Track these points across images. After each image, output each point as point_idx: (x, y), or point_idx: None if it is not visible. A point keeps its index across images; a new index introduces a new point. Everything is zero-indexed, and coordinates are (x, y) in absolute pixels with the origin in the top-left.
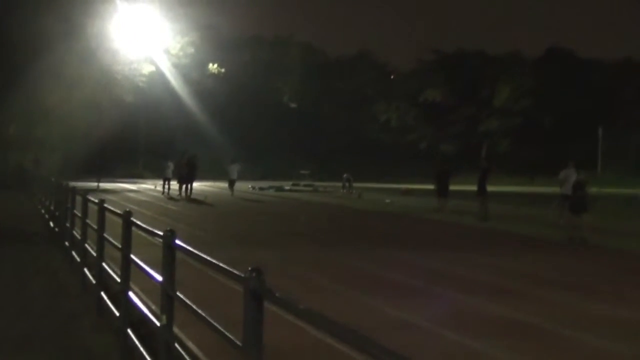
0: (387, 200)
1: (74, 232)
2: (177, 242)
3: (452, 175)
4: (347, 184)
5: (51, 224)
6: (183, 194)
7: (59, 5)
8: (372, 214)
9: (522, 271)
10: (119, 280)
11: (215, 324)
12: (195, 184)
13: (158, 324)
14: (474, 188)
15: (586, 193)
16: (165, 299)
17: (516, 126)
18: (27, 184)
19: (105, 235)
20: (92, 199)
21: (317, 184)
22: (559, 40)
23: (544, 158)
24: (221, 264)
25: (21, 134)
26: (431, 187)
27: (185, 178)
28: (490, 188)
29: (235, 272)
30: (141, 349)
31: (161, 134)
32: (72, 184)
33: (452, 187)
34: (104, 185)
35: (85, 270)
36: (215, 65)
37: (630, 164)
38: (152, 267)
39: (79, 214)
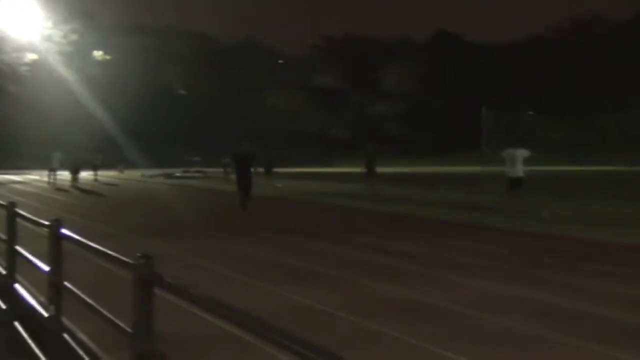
0: (278, 185)
1: None
2: (64, 231)
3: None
4: (227, 170)
5: None
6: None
7: None
8: (265, 200)
9: (422, 253)
10: (4, 272)
11: (104, 312)
12: (84, 174)
13: (46, 314)
14: (363, 170)
15: None
16: (53, 289)
17: (405, 109)
18: None
19: None
20: None
21: (208, 170)
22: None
23: (434, 140)
24: (109, 252)
25: None
26: (320, 170)
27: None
28: (381, 170)
29: (124, 259)
30: (29, 342)
31: (48, 124)
32: None
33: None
34: None
35: None
36: (101, 53)
37: (514, 143)
38: (41, 260)
39: None
